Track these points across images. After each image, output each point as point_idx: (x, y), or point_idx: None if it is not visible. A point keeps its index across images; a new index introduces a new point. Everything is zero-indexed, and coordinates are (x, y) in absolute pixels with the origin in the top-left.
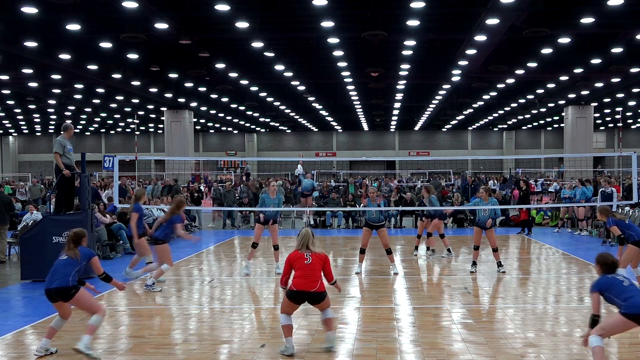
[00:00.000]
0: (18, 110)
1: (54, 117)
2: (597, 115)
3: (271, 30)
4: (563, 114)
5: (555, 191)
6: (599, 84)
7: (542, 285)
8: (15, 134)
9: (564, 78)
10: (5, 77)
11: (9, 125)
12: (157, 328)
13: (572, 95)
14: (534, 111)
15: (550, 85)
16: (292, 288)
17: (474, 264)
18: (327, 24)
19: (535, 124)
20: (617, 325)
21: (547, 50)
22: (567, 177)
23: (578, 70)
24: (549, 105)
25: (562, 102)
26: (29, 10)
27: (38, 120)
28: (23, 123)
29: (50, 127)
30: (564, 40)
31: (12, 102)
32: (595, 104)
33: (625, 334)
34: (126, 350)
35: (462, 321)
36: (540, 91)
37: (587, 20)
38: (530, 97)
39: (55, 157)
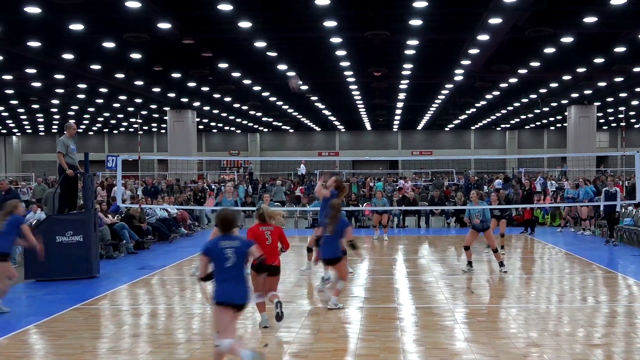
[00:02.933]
0: (21, 110)
1: (57, 117)
2: (600, 114)
3: (274, 30)
4: (566, 113)
5: (556, 189)
6: (602, 84)
7: (545, 284)
8: (19, 134)
9: (566, 77)
10: (8, 77)
11: (13, 125)
12: (160, 327)
13: (575, 95)
14: (537, 111)
15: (553, 85)
16: (255, 262)
17: (469, 263)
18: (330, 23)
19: (538, 123)
20: (217, 319)
21: (549, 50)
22: (570, 177)
23: (581, 70)
24: (552, 105)
25: (565, 101)
26: (32, 10)
27: (41, 120)
28: (26, 123)
29: (53, 127)
30: (567, 39)
31: (15, 102)
32: (598, 103)
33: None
34: (129, 349)
35: (465, 321)
36: (543, 91)
37: (590, 19)
38: (533, 96)
39: (59, 157)
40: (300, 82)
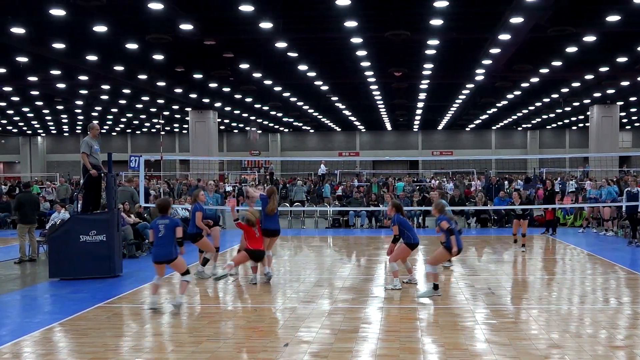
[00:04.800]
0: (46, 111)
1: (81, 117)
2: (623, 114)
3: (295, 30)
4: (588, 113)
5: (575, 190)
6: (625, 83)
7: (566, 286)
8: (44, 135)
9: (589, 77)
10: (34, 79)
11: (38, 125)
12: (181, 326)
13: (597, 94)
14: (559, 110)
15: (575, 84)
16: (249, 247)
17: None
18: (351, 23)
19: (560, 123)
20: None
21: (572, 49)
22: (597, 177)
23: (603, 69)
24: (574, 105)
25: (587, 101)
26: (57, 12)
27: (66, 120)
28: (51, 124)
29: (77, 127)
30: (589, 38)
31: (40, 103)
32: (621, 102)
33: None
34: (151, 348)
35: (486, 322)
36: (565, 90)
37: (613, 18)
38: (555, 96)
39: (83, 158)
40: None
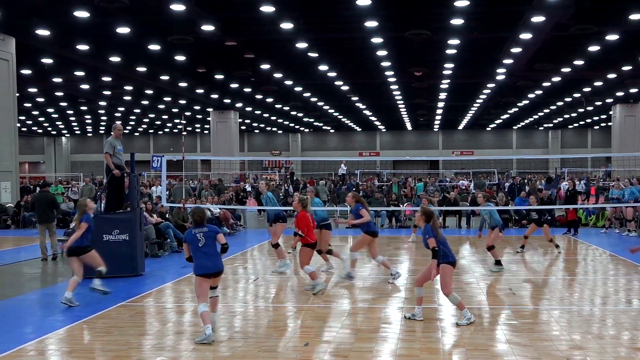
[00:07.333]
0: (70, 112)
1: (104, 118)
2: None
3: (315, 30)
4: (611, 112)
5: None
6: None
7: (588, 286)
8: (68, 135)
9: (611, 76)
10: (58, 80)
11: (62, 126)
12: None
13: (620, 93)
14: (581, 110)
15: (598, 83)
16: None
17: (498, 262)
18: (371, 23)
19: (581, 122)
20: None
21: (594, 48)
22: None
23: (626, 68)
24: (596, 104)
25: (609, 100)
26: (81, 14)
27: (89, 121)
28: (75, 124)
29: (101, 128)
30: (612, 37)
31: (64, 104)
32: None
33: None
34: (173, 346)
35: (507, 322)
36: (587, 89)
37: (636, 16)
38: (577, 95)
39: (106, 158)
40: None
